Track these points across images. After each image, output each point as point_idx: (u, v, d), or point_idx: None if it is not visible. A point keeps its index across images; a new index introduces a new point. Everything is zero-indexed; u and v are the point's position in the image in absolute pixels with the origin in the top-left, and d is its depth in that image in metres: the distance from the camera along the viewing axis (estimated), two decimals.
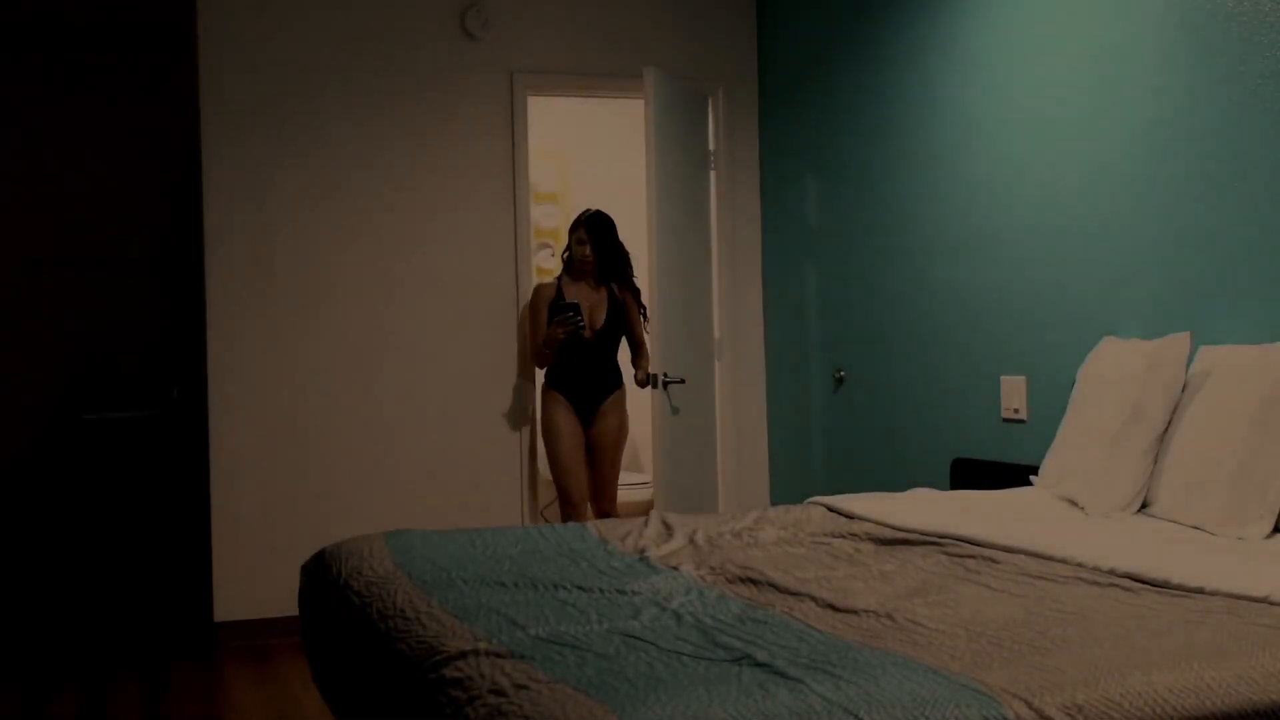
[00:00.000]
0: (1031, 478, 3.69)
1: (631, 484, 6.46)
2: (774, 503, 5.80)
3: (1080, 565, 2.45)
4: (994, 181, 4.22)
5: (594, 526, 3.20)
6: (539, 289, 5.41)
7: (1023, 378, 4.09)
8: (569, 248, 5.40)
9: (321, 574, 2.95)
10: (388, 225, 5.33)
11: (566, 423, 5.31)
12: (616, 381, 5.42)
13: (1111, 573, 2.37)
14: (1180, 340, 3.19)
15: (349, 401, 5.27)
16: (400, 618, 2.27)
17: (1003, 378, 4.19)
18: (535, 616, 2.15)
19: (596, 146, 7.20)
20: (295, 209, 5.22)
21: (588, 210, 5.41)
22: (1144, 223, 3.58)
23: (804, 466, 5.55)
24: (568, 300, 5.20)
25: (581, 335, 5.23)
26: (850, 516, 3.27)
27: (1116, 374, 3.38)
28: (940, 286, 4.51)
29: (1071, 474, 3.39)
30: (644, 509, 6.49)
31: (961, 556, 2.61)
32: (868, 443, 5.02)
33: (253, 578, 5.11)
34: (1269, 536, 2.74)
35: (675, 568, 2.60)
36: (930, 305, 4.58)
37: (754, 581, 2.41)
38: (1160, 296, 3.53)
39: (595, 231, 5.32)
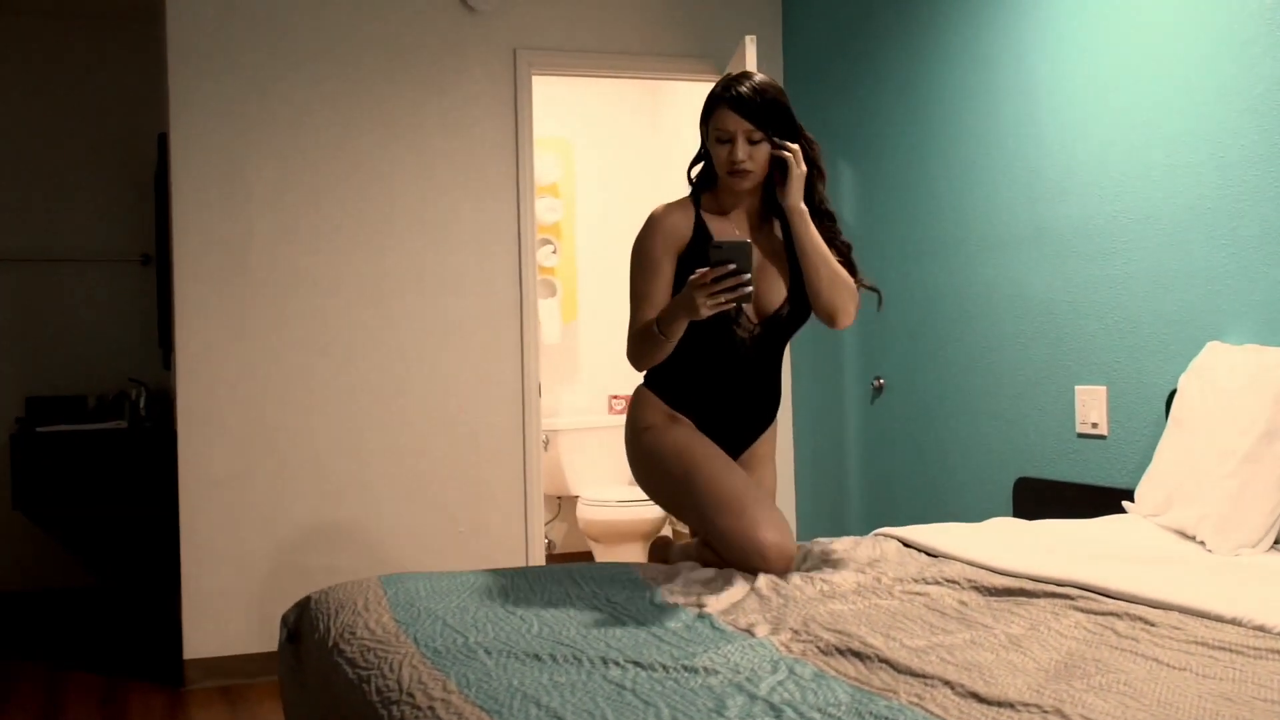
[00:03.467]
0: (1126, 504, 3.20)
1: (638, 500, 5.96)
2: (800, 529, 5.28)
3: (1263, 629, 1.95)
4: (1066, 165, 3.72)
5: (634, 565, 2.70)
6: (659, 221, 2.84)
7: (1103, 388, 3.60)
8: (702, 154, 2.94)
9: (306, 629, 2.43)
10: (376, 218, 4.81)
11: (706, 442, 2.82)
12: (776, 406, 3.02)
13: None
14: None
15: (333, 413, 4.74)
16: (409, 704, 1.76)
17: (1078, 388, 3.69)
18: (587, 711, 1.64)
19: (602, 134, 6.70)
20: (273, 199, 4.69)
21: (736, 82, 2.80)
22: (1259, 209, 3.09)
23: (837, 488, 5.04)
24: (723, 241, 2.57)
25: (738, 332, 2.83)
26: (932, 554, 2.77)
27: (1236, 384, 2.88)
28: (1001, 284, 4.01)
29: (1184, 502, 2.89)
30: (653, 529, 6.00)
31: (1103, 614, 2.11)
32: (912, 460, 4.51)
33: (226, 610, 4.58)
34: None
35: (748, 630, 2.09)
36: (988, 305, 4.08)
37: (857, 654, 1.90)
38: (1278, 297, 3.04)
39: (765, 115, 2.74)
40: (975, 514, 3.89)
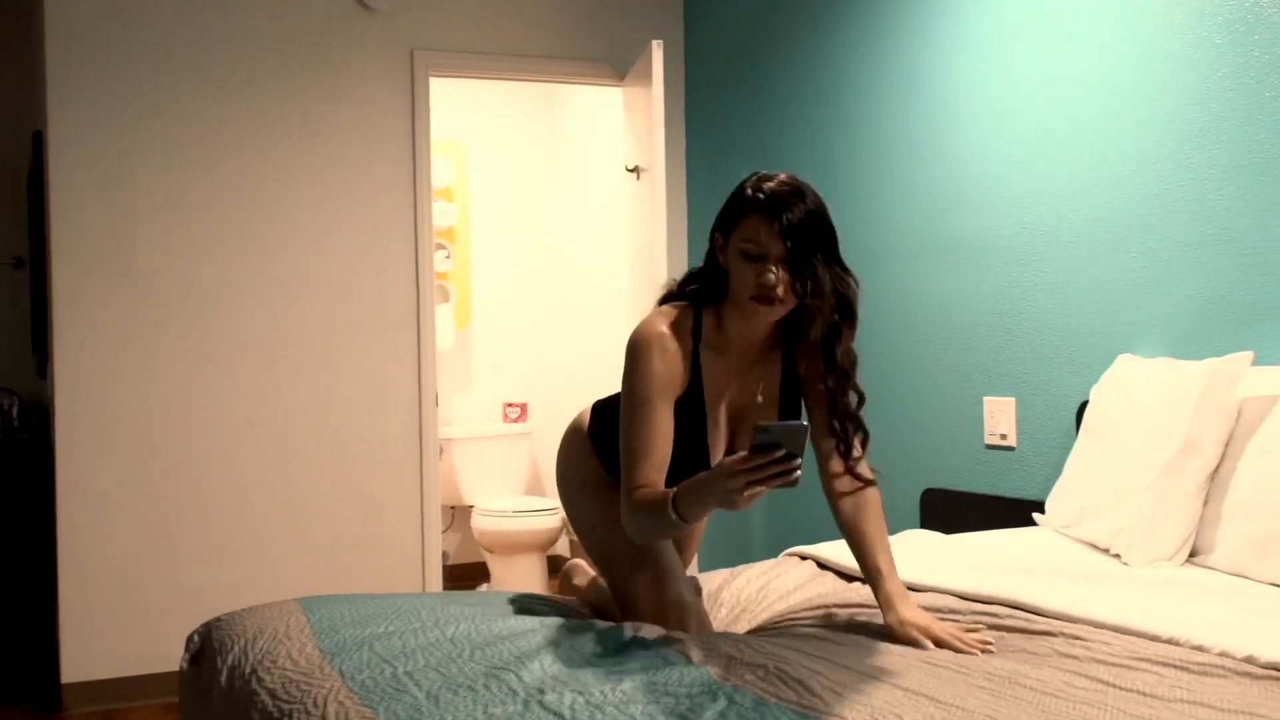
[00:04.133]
0: (1036, 516, 3.22)
1: (534, 511, 5.87)
2: (704, 549, 5.22)
3: (1201, 648, 1.94)
4: (976, 176, 3.74)
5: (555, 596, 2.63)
6: (651, 359, 2.27)
7: (1012, 399, 3.62)
8: (708, 268, 2.34)
9: (213, 652, 2.30)
10: (267, 221, 4.65)
11: None
12: None
13: (1249, 661, 1.87)
14: (1239, 361, 2.74)
15: (222, 423, 4.57)
16: None
17: (986, 399, 3.71)
18: None
19: (496, 138, 6.60)
20: (158, 201, 4.50)
21: (770, 182, 2.22)
22: (1169, 223, 3.13)
23: None
24: (772, 424, 1.91)
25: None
26: (849, 578, 2.73)
27: (1151, 397, 2.91)
28: (910, 295, 4.01)
29: (1099, 515, 2.91)
30: (549, 539, 5.93)
31: (1038, 634, 2.09)
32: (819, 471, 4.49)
33: (107, 631, 4.38)
34: None
35: (683, 655, 2.02)
36: (897, 316, 4.08)
37: (798, 680, 1.84)
38: (1189, 309, 3.08)
39: (809, 238, 2.17)
40: None
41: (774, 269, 2.16)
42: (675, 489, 2.08)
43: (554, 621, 2.24)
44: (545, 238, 6.67)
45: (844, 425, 2.32)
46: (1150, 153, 3.17)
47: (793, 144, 4.60)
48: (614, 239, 5.97)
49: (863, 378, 2.35)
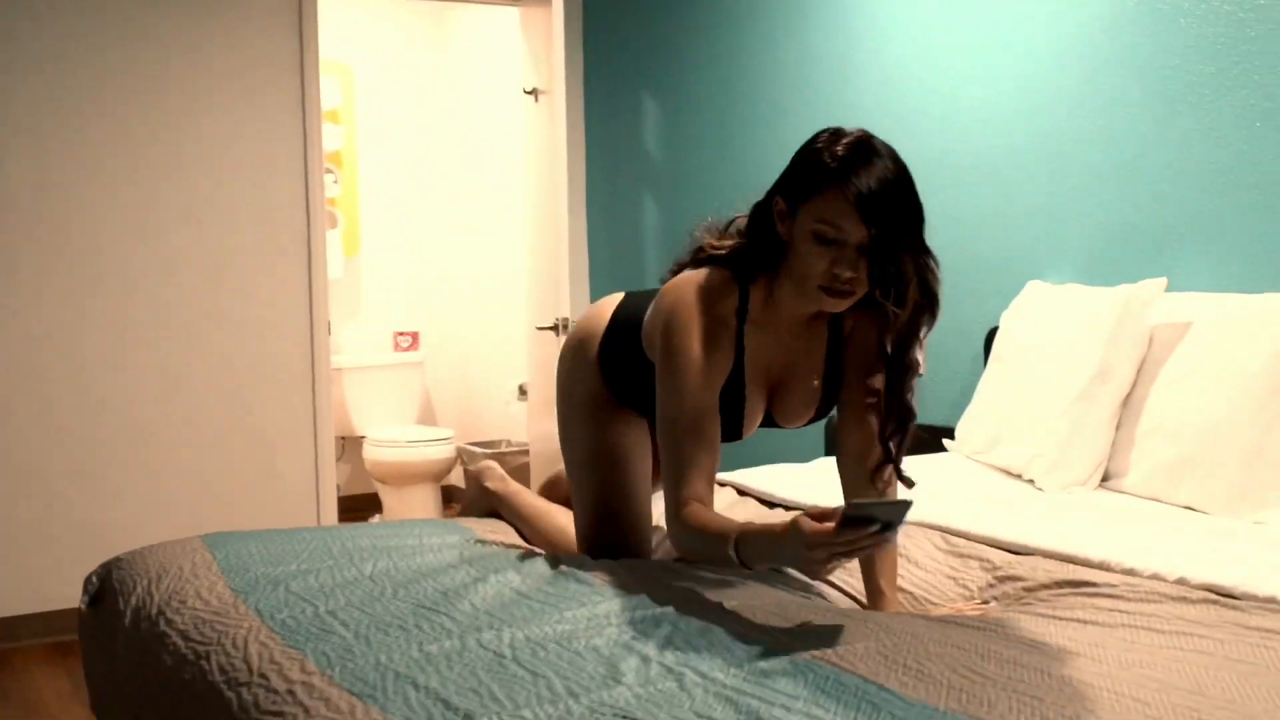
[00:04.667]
0: (946, 443, 3.23)
1: (428, 440, 5.77)
2: None
3: (1132, 572, 1.95)
4: (884, 103, 3.70)
5: (464, 520, 2.56)
6: (694, 342, 1.99)
7: None
8: (763, 235, 2.02)
9: (113, 593, 2.19)
10: (148, 143, 4.42)
11: (639, 444, 2.33)
12: None
13: (1182, 584, 1.88)
14: (1153, 287, 2.76)
15: (103, 357, 4.36)
16: (262, 687, 1.58)
17: None
18: (471, 689, 1.49)
19: (383, 59, 6.39)
20: (30, 125, 4.23)
21: (847, 146, 1.89)
22: (1080, 151, 3.13)
23: None
24: (870, 502, 1.96)
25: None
26: (770, 504, 2.71)
27: (1064, 324, 2.92)
28: None
29: (1013, 441, 2.92)
30: (443, 469, 5.84)
31: (966, 558, 2.09)
32: None
33: None
34: None
35: (619, 585, 1.96)
36: None
37: (740, 608, 1.81)
38: (1099, 236, 3.09)
39: (891, 224, 1.87)
40: (794, 453, 3.87)
41: (852, 258, 1.87)
42: (740, 529, 1.81)
43: (475, 555, 2.17)
44: (437, 162, 6.51)
45: (891, 426, 2.03)
46: (1062, 80, 3.16)
47: (693, 67, 4.51)
48: (508, 162, 5.84)
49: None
